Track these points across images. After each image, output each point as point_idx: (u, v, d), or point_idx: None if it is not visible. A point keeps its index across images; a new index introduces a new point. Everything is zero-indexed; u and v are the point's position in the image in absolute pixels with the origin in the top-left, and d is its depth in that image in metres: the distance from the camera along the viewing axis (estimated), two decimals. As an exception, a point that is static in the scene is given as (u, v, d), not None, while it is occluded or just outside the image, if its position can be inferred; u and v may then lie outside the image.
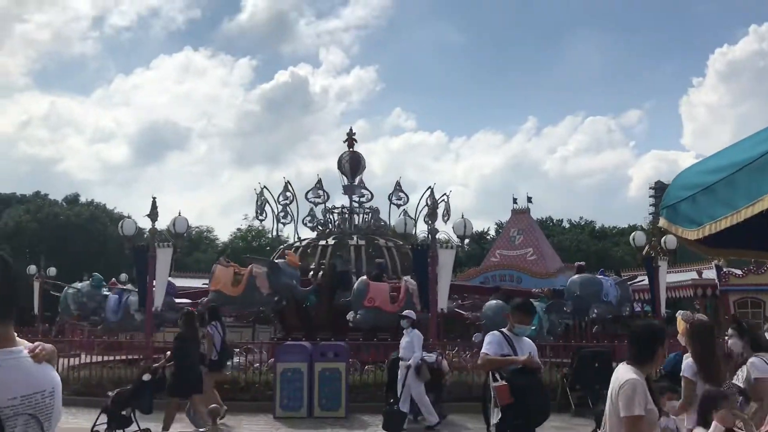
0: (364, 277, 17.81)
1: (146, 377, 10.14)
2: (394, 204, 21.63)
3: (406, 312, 12.53)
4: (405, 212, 20.73)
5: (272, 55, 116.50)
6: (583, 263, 20.89)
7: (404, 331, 12.04)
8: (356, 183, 22.40)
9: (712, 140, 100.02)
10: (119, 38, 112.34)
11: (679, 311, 7.53)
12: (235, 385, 13.84)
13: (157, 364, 10.75)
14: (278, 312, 20.63)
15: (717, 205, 3.21)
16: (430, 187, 21.03)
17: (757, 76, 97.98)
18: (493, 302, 17.67)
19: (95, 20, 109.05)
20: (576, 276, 18.92)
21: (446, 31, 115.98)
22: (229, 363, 13.13)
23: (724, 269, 22.58)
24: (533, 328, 15.82)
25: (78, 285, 20.96)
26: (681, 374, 6.01)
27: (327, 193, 21.87)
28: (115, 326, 18.90)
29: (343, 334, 15.79)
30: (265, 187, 21.30)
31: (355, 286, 17.43)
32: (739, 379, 5.97)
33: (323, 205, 21.93)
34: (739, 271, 22.58)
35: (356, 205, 22.19)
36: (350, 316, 16.96)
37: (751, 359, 5.89)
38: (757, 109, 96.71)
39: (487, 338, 6.20)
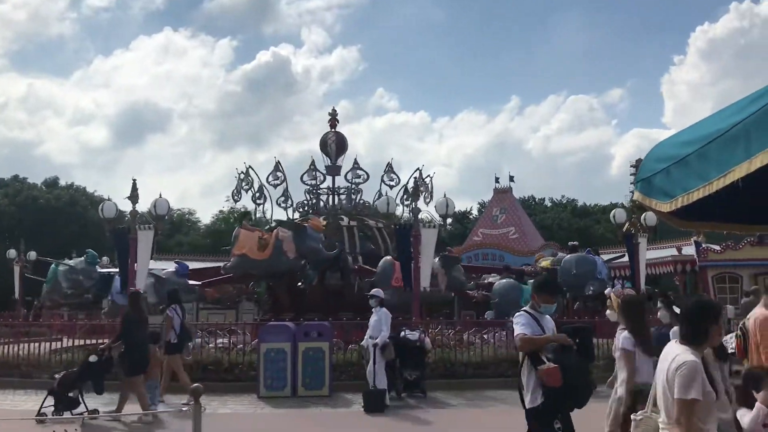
0: (389, 257, 17.96)
1: (93, 358, 10.22)
2: (386, 185, 21.66)
3: (373, 291, 12.52)
4: (386, 193, 20.83)
5: (253, 35, 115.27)
6: (576, 243, 21.13)
7: (373, 310, 12.05)
8: (339, 164, 22.35)
9: (693, 118, 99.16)
10: (98, 18, 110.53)
11: (607, 288, 7.72)
12: (219, 366, 13.87)
13: (103, 345, 10.81)
14: (270, 292, 20.65)
15: (690, 177, 3.25)
16: (418, 169, 21.15)
17: (737, 54, 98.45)
18: (503, 281, 17.81)
19: (73, 1, 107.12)
20: (571, 255, 19.28)
21: (429, 11, 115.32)
22: (190, 344, 13.16)
23: (703, 245, 22.87)
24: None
25: (70, 262, 20.43)
26: (619, 347, 6.32)
27: (323, 174, 21.75)
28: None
29: (335, 316, 15.81)
30: (250, 167, 21.17)
31: (381, 265, 17.51)
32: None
33: (317, 185, 21.84)
34: (717, 247, 22.87)
35: (343, 186, 22.16)
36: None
37: (675, 328, 6.48)
38: (738, 86, 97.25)
39: (518, 318, 5.88)
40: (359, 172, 22.09)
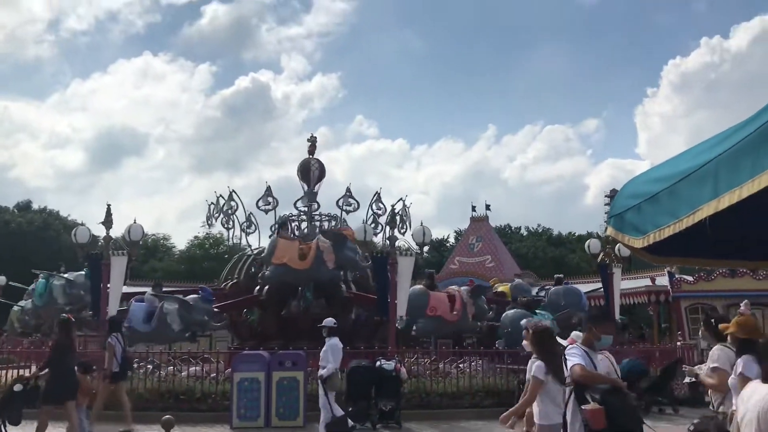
0: (421, 286, 17.93)
1: (17, 387, 9.93)
2: (343, 210, 21.47)
3: (325, 321, 11.95)
4: (364, 220, 20.79)
5: (233, 61, 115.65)
6: (561, 275, 21.32)
7: (325, 340, 11.61)
8: (316, 190, 22.29)
9: (666, 149, 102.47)
10: (76, 42, 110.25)
11: (523, 320, 7.88)
12: (191, 395, 13.66)
13: (28, 375, 10.60)
14: (260, 319, 20.39)
15: (661, 214, 3.30)
16: (401, 199, 21.00)
17: (708, 87, 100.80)
18: (511, 312, 17.82)
19: (51, 23, 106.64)
20: (558, 287, 19.49)
21: (408, 39, 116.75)
22: (129, 372, 12.94)
23: (676, 276, 23.12)
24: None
25: (67, 275, 19.69)
26: (531, 375, 6.36)
27: (276, 200, 21.48)
28: (147, 337, 17.13)
29: (295, 344, 15.64)
30: (234, 191, 20.99)
31: (413, 295, 17.19)
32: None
33: (273, 211, 21.57)
34: (690, 278, 23.13)
35: (315, 212, 22.05)
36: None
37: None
38: (709, 119, 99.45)
39: (573, 351, 5.66)
40: (350, 200, 21.91)
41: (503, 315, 18.36)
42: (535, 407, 6.25)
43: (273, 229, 20.99)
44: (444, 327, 17.58)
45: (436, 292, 18.09)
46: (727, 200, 2.85)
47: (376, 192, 21.89)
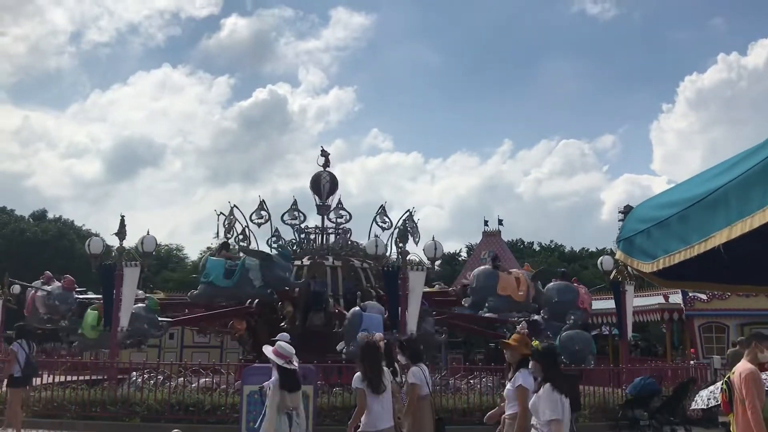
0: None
1: None
2: (379, 226, 21.56)
3: (279, 335, 11.54)
4: (375, 234, 20.81)
5: (251, 74, 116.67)
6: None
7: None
8: (329, 203, 22.37)
9: (682, 165, 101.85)
10: (97, 53, 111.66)
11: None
12: (200, 407, 13.68)
13: None
14: (252, 332, 20.44)
15: (671, 240, 3.29)
16: (408, 210, 21.11)
17: (725, 104, 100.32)
18: (571, 331, 17.95)
19: (73, 35, 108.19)
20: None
21: (424, 54, 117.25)
22: (35, 378, 13.23)
23: (690, 294, 22.93)
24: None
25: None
26: (354, 386, 7.06)
27: (303, 214, 21.75)
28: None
29: (317, 357, 15.65)
30: (235, 206, 21.09)
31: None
32: None
33: (298, 225, 21.79)
34: (704, 296, 22.93)
35: (331, 225, 22.12)
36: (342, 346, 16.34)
37: (412, 368, 7.58)
38: (726, 135, 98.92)
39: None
40: (342, 212, 22.08)
41: (562, 334, 18.32)
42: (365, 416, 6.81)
43: (267, 242, 21.12)
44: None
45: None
46: (739, 229, 2.84)
47: (381, 205, 21.98)
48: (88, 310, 18.44)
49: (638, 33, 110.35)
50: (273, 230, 21.39)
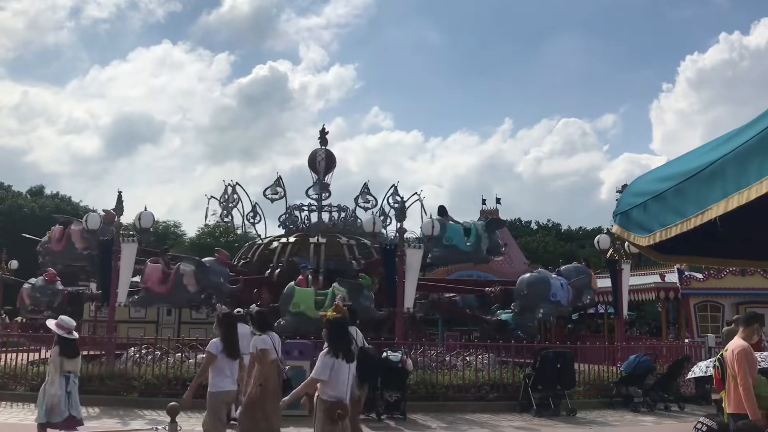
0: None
1: None
2: (360, 207, 21.48)
3: (236, 310, 12.01)
4: (374, 212, 20.82)
5: (251, 51, 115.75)
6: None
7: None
8: (327, 181, 22.32)
9: (682, 145, 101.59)
10: (96, 29, 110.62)
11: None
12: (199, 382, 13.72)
13: None
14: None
15: (667, 213, 3.29)
16: (393, 186, 21.07)
17: (726, 84, 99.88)
18: (527, 275, 17.91)
19: (72, 10, 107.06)
20: (526, 274, 18.85)
21: (425, 32, 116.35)
22: None
23: (686, 273, 23.00)
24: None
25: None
26: (208, 350, 7.98)
27: (284, 189, 21.53)
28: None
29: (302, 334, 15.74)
30: (237, 183, 21.06)
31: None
32: None
33: (283, 201, 21.65)
34: (700, 275, 23.01)
35: (324, 201, 22.05)
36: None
37: (261, 336, 8.16)
38: (726, 115, 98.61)
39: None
40: (368, 197, 21.90)
41: (519, 279, 18.30)
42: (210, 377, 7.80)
43: (246, 217, 21.07)
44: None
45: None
46: (735, 201, 2.85)
47: (364, 184, 21.87)
48: None
49: (642, 11, 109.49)
50: (287, 207, 21.34)
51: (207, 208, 20.83)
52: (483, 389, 14.12)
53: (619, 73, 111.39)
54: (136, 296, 17.92)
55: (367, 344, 9.71)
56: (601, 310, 26.80)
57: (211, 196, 19.99)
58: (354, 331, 8.80)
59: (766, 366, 6.98)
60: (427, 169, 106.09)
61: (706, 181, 2.99)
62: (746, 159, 2.71)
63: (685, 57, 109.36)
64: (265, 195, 21.05)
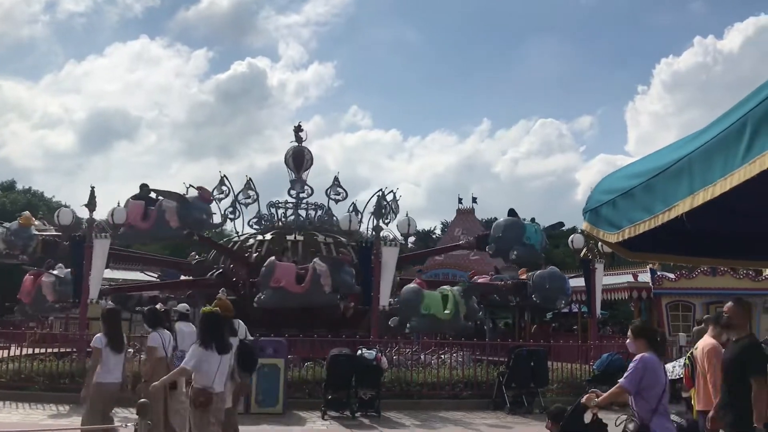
0: (273, 257, 17.23)
1: None
2: (332, 199, 21.42)
3: (179, 306, 12.07)
4: (351, 209, 20.75)
5: (230, 47, 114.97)
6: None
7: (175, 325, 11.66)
8: (303, 178, 22.19)
9: (656, 147, 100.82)
10: (72, 23, 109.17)
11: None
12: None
13: None
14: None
15: (636, 210, 3.32)
16: (381, 190, 21.02)
17: (699, 88, 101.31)
18: (502, 221, 18.32)
19: (48, 4, 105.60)
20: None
21: (405, 32, 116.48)
22: None
23: (658, 273, 23.29)
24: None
25: (7, 224, 19.30)
26: (93, 345, 8.07)
27: (257, 192, 21.33)
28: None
29: (277, 330, 15.67)
30: (225, 176, 20.82)
31: (264, 266, 16.94)
32: None
33: (256, 204, 21.44)
34: (672, 275, 23.32)
35: (302, 200, 21.90)
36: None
37: (151, 334, 8.51)
38: (700, 118, 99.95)
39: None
40: (339, 189, 21.79)
41: (495, 223, 18.47)
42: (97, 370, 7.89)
43: (250, 223, 21.06)
44: (288, 299, 16.78)
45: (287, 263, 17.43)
46: (701, 197, 2.87)
47: (335, 176, 21.77)
48: None
49: (620, 15, 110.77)
50: (258, 209, 21.17)
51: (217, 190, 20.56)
52: (457, 387, 14.16)
53: (597, 75, 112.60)
54: (120, 231, 17.44)
55: (249, 336, 10.01)
56: (575, 309, 27.03)
57: (189, 185, 19.71)
58: (237, 323, 9.16)
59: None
60: (405, 168, 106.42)
61: (674, 178, 3.01)
62: (711, 156, 2.74)
63: (661, 60, 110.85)
64: (237, 200, 20.82)
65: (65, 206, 18.33)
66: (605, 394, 5.95)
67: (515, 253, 18.46)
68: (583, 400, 6.09)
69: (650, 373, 5.42)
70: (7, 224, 18.93)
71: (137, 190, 18.52)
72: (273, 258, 16.99)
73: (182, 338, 10.39)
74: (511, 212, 19.69)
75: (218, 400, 6.77)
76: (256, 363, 9.57)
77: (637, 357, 5.58)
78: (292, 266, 17.01)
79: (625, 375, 5.59)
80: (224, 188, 20.86)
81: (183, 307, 11.71)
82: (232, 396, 8.00)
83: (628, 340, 5.97)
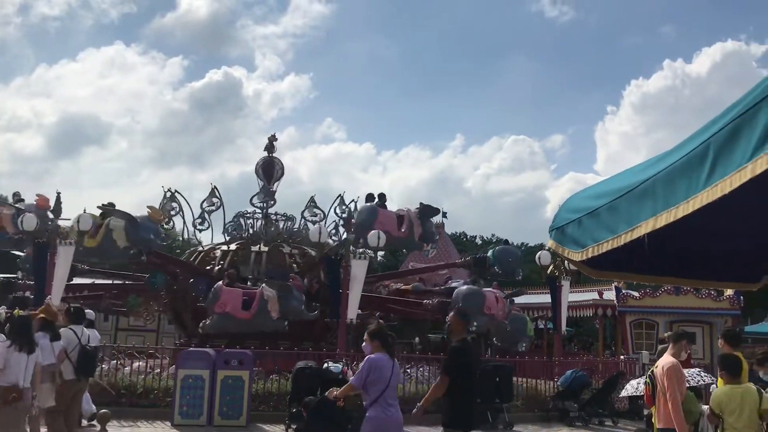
0: (220, 282, 16.80)
1: None
2: (308, 221, 21.18)
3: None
4: (319, 221, 20.69)
5: (206, 56, 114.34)
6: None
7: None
8: (273, 189, 22.05)
9: (624, 167, 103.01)
10: (45, 26, 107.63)
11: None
12: (132, 391, 13.42)
13: None
14: (176, 316, 20.13)
15: (600, 229, 3.38)
16: (340, 195, 21.00)
17: (668, 110, 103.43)
18: (464, 288, 17.90)
19: (21, 6, 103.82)
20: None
21: (382, 46, 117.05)
22: None
23: (623, 291, 23.59)
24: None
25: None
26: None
27: (221, 200, 21.13)
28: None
29: (240, 343, 15.48)
30: (177, 191, 20.55)
31: (210, 291, 16.52)
32: None
33: (219, 212, 21.22)
34: (636, 293, 23.63)
35: (265, 210, 21.71)
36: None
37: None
38: (667, 139, 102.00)
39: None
40: (315, 210, 21.58)
41: (456, 291, 18.16)
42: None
43: (223, 230, 20.88)
44: (393, 242, 17.45)
45: (233, 288, 16.85)
46: (663, 219, 2.93)
47: (311, 197, 21.60)
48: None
49: (593, 36, 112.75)
50: (224, 217, 20.97)
51: (164, 206, 20.26)
52: (423, 402, 14.14)
53: (570, 95, 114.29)
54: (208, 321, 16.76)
55: (92, 343, 9.96)
56: (541, 326, 27.24)
57: (149, 206, 19.35)
58: (80, 329, 9.49)
59: (694, 383, 7.19)
60: (378, 181, 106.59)
61: (638, 199, 3.07)
62: (675, 178, 2.80)
63: (631, 82, 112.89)
64: (202, 207, 20.62)
65: (30, 212, 17.89)
66: (341, 389, 6.87)
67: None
68: (327, 395, 7.14)
69: (375, 371, 6.35)
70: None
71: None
72: (219, 283, 16.63)
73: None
74: (369, 197, 18.99)
75: (27, 396, 7.51)
76: (95, 368, 10.11)
77: (366, 357, 6.49)
78: (238, 291, 16.49)
79: (356, 373, 6.64)
80: (214, 200, 20.72)
81: (89, 314, 11.81)
82: (63, 395, 8.77)
83: (364, 343, 6.87)
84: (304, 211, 21.28)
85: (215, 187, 21.09)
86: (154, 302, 20.89)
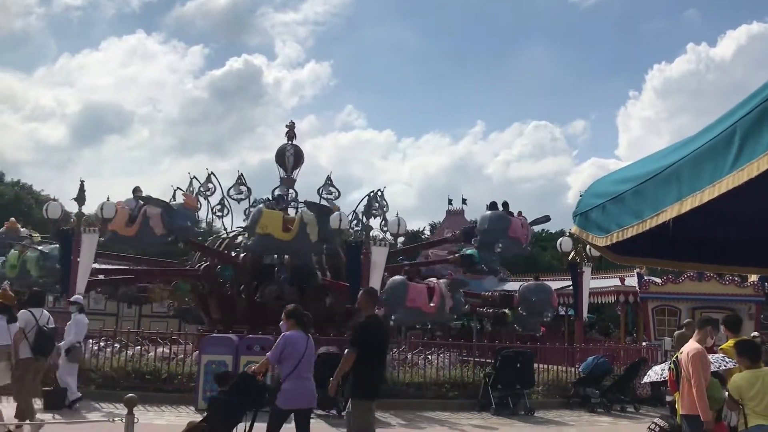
0: (403, 277, 16.62)
1: None
2: (324, 198, 21.33)
3: (74, 297, 13.46)
4: (339, 209, 20.72)
5: (226, 44, 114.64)
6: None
7: (72, 315, 12.73)
8: (293, 176, 22.13)
9: (647, 152, 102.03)
10: (68, 16, 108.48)
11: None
12: (157, 376, 13.62)
13: None
14: (202, 303, 20.30)
15: (625, 214, 3.36)
16: (376, 190, 20.95)
17: (691, 94, 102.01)
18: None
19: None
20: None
21: (402, 33, 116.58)
22: None
23: (645, 277, 23.42)
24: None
25: (39, 247, 18.93)
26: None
27: (248, 188, 21.25)
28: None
29: (264, 329, 15.61)
30: (212, 173, 20.72)
31: (392, 285, 16.25)
32: None
33: (247, 201, 21.31)
34: (658, 280, 23.44)
35: (292, 200, 21.81)
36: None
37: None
38: (690, 124, 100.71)
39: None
40: (331, 188, 21.69)
41: (481, 216, 18.63)
42: None
43: (213, 211, 20.94)
44: (421, 317, 16.94)
45: (415, 283, 17.55)
46: (689, 203, 2.91)
47: (327, 176, 21.68)
48: (12, 250, 18.29)
49: (615, 21, 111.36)
50: (250, 203, 20.99)
51: (199, 190, 20.43)
52: (443, 387, 14.22)
53: (591, 79, 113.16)
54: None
55: (50, 324, 10.12)
56: (562, 312, 27.14)
57: (177, 188, 19.60)
58: (39, 312, 9.69)
59: (718, 368, 7.14)
60: (397, 168, 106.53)
61: (663, 184, 3.05)
62: (701, 162, 2.78)
63: (653, 66, 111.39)
64: (229, 195, 20.75)
65: (54, 200, 18.16)
66: (258, 364, 7.41)
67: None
68: (246, 369, 7.65)
69: (290, 346, 7.09)
70: (41, 247, 18.41)
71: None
72: (404, 277, 16.49)
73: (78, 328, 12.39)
74: (493, 205, 19.40)
75: None
76: (52, 348, 10.37)
77: (282, 334, 7.21)
78: (422, 287, 16.48)
79: (272, 349, 7.25)
80: (242, 188, 20.81)
81: (79, 298, 13.18)
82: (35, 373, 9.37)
83: (281, 322, 7.49)
84: (320, 189, 21.38)
85: (242, 174, 21.18)
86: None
